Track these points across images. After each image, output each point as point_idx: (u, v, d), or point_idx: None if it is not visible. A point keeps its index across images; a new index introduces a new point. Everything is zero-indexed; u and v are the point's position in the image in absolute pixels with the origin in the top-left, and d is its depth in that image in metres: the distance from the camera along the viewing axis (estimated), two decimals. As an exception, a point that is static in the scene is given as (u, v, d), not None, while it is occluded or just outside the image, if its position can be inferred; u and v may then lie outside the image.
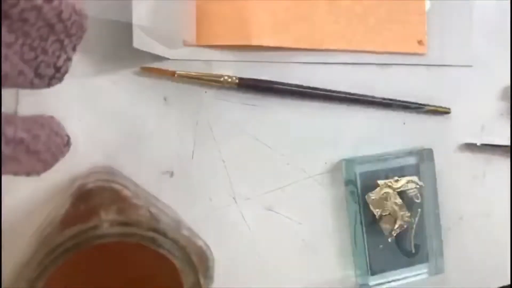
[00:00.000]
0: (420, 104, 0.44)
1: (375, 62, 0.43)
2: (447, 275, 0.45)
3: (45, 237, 0.28)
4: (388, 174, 0.42)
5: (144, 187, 0.37)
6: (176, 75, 0.37)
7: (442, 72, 0.45)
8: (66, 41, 0.22)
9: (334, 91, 0.41)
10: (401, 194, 0.42)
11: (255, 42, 0.39)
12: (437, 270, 0.44)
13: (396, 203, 0.41)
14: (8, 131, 0.23)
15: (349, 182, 0.41)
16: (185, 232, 0.29)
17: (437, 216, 0.44)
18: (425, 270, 0.43)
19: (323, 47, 0.41)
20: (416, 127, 0.44)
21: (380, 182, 0.41)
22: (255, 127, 0.40)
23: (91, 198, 0.29)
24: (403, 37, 0.43)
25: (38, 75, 0.22)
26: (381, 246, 0.42)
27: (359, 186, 0.41)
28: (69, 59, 0.23)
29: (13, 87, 0.22)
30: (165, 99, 0.38)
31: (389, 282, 0.43)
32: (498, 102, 0.47)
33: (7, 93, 0.28)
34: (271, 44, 0.40)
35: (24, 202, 0.35)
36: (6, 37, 0.20)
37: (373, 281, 0.42)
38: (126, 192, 0.30)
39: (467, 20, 0.45)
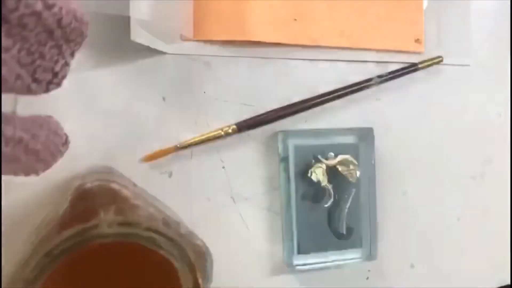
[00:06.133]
0: (414, 63, 0.43)
1: (372, 60, 0.43)
2: (447, 275, 0.46)
3: (43, 237, 0.28)
4: (325, 150, 0.41)
5: (142, 187, 0.37)
6: (178, 146, 0.38)
7: (440, 71, 0.45)
8: (65, 47, 0.22)
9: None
10: (336, 171, 0.41)
11: (253, 37, 0.39)
12: (370, 257, 0.42)
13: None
14: (7, 130, 0.23)
15: (284, 157, 0.40)
16: (183, 232, 0.29)
17: (373, 199, 0.42)
18: (358, 255, 0.42)
19: (321, 44, 0.41)
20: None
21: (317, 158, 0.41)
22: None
23: (90, 198, 0.29)
24: (401, 35, 0.43)
25: (35, 79, 0.22)
26: (311, 224, 0.41)
27: (292, 159, 0.40)
28: (67, 64, 0.23)
29: (11, 92, 0.22)
30: (163, 98, 0.38)
31: (317, 263, 0.41)
32: (496, 102, 0.47)
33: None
34: (269, 40, 0.40)
35: (23, 202, 0.35)
36: (4, 41, 0.20)
37: (298, 260, 0.41)
38: (125, 192, 0.30)
39: (465, 18, 0.45)
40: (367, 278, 0.44)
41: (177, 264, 0.28)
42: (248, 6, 0.39)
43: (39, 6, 0.20)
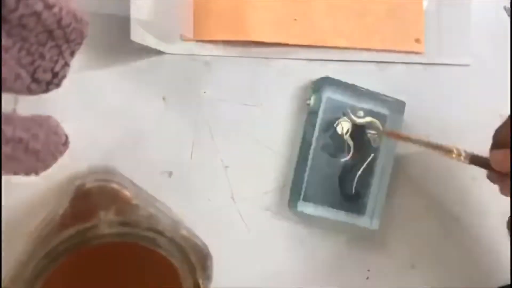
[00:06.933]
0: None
1: (372, 60, 0.43)
2: (447, 275, 0.45)
3: (44, 237, 0.28)
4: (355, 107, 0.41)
5: (143, 187, 0.37)
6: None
7: (439, 71, 0.45)
8: (65, 47, 0.22)
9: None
10: (362, 132, 0.41)
11: (253, 37, 0.39)
12: (371, 225, 0.42)
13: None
14: (7, 130, 0.23)
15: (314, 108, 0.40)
16: (183, 232, 0.29)
17: (386, 175, 0.42)
18: (358, 221, 0.42)
19: (322, 44, 0.41)
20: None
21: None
22: (254, 127, 0.40)
23: (90, 198, 0.29)
24: (401, 35, 0.43)
25: (35, 80, 0.22)
26: (323, 177, 0.41)
27: (322, 109, 0.40)
28: (67, 64, 0.23)
29: (10, 92, 0.22)
30: (163, 98, 0.38)
31: (318, 215, 0.41)
32: (496, 102, 0.47)
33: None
34: (269, 40, 0.40)
35: (23, 202, 0.35)
36: (4, 41, 0.20)
37: (302, 207, 0.40)
38: (125, 192, 0.30)
39: (465, 18, 0.45)
40: (367, 278, 0.44)
41: (177, 264, 0.28)
42: (248, 6, 0.39)
43: (39, 6, 0.20)
